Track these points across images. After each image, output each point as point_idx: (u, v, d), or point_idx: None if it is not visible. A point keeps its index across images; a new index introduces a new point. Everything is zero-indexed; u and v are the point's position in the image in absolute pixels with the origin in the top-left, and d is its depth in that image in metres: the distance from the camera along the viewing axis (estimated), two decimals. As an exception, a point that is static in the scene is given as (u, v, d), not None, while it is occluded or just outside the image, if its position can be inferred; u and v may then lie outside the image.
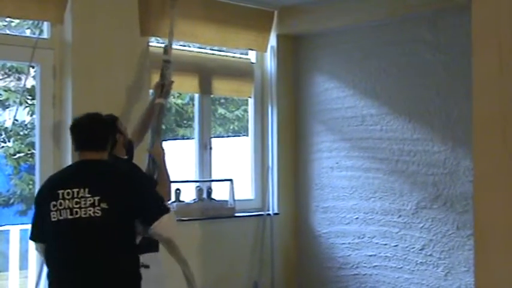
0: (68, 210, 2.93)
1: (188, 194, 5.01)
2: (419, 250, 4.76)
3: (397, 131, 4.90)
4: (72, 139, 3.22)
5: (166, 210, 3.11)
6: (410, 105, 4.83)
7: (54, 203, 2.96)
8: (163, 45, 4.56)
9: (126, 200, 2.99)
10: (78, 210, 2.92)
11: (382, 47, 4.99)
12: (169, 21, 4.53)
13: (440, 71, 4.66)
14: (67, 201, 2.94)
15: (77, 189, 2.95)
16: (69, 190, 2.95)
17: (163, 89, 4.24)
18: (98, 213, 2.91)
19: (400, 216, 4.87)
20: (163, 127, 4.51)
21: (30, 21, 6.50)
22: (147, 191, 3.14)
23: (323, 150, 5.38)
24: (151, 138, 4.09)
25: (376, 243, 5.01)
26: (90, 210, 2.91)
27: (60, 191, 2.97)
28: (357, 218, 5.14)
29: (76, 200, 2.93)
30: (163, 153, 3.99)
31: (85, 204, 2.92)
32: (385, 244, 4.95)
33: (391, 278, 4.92)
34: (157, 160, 3.95)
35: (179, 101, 9.36)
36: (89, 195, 2.93)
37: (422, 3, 4.57)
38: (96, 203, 2.91)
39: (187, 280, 3.36)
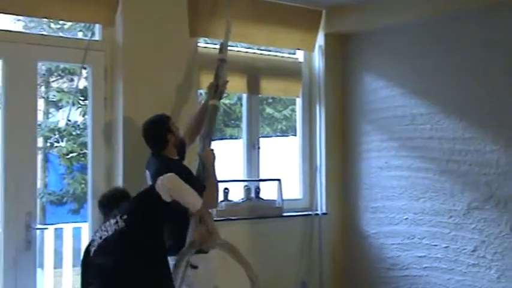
0: None
1: (236, 194, 5.03)
2: (471, 251, 4.67)
3: (448, 130, 4.82)
4: None
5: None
6: (462, 103, 4.75)
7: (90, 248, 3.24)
8: (212, 45, 4.59)
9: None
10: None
11: (433, 45, 4.91)
12: (218, 22, 4.57)
13: (493, 69, 4.56)
14: (98, 235, 3.23)
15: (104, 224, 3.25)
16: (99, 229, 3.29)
17: (217, 89, 4.17)
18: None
19: (451, 217, 4.79)
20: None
21: (82, 24, 6.64)
22: None
23: (372, 149, 5.33)
24: (202, 141, 4.01)
25: (427, 244, 4.94)
26: None
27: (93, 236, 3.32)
28: (406, 218, 5.07)
29: (104, 229, 3.21)
30: (214, 158, 3.88)
31: (109, 226, 3.18)
32: (436, 245, 4.88)
33: (442, 280, 4.84)
34: (206, 164, 3.85)
35: (227, 101, 9.42)
36: (114, 219, 3.18)
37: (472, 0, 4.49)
38: (118, 219, 3.16)
39: (252, 283, 3.34)
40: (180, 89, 4.54)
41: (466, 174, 4.70)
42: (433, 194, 4.90)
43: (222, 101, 4.46)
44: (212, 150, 3.93)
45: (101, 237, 3.16)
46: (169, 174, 3.20)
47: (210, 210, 3.32)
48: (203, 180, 3.80)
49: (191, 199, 3.16)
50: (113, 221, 3.16)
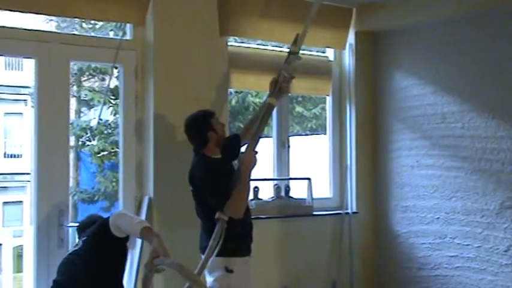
0: None
1: (266, 192, 5.04)
2: (504, 251, 4.60)
3: (480, 128, 4.76)
4: None
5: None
6: (494, 101, 4.68)
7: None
8: (242, 44, 4.53)
9: None
10: None
11: (463, 42, 4.86)
12: (248, 21, 4.55)
13: (526, 66, 4.50)
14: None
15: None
16: None
17: (276, 86, 3.82)
18: None
19: (483, 216, 4.73)
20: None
21: (114, 23, 6.70)
22: None
23: (402, 148, 5.29)
24: (248, 143, 3.77)
25: (458, 243, 4.88)
26: None
27: None
28: (437, 217, 5.02)
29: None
30: (254, 163, 3.61)
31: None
32: (468, 245, 4.82)
33: (474, 280, 4.78)
34: (243, 168, 3.59)
35: (257, 100, 9.44)
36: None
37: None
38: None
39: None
40: (210, 88, 4.55)
41: (499, 173, 4.63)
42: (464, 193, 4.85)
43: (251, 99, 4.34)
44: (256, 153, 3.65)
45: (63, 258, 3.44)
46: (117, 212, 3.43)
47: (157, 233, 3.18)
48: (234, 184, 3.57)
49: (131, 226, 3.20)
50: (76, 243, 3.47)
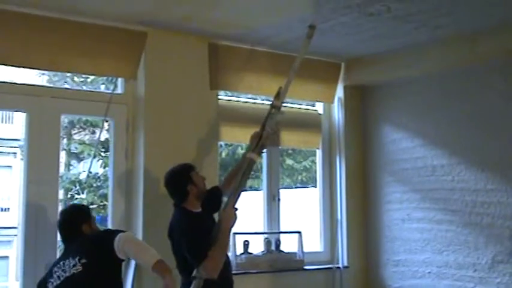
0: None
1: (257, 246, 4.99)
2: (497, 306, 4.56)
3: (470, 181, 4.77)
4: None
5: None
6: (483, 154, 4.71)
7: (50, 279, 3.29)
8: (232, 98, 4.57)
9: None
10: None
11: (451, 96, 4.92)
12: (238, 75, 4.60)
13: (513, 120, 4.55)
14: (57, 273, 3.28)
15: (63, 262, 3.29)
16: (59, 264, 3.31)
17: (259, 141, 3.75)
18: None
19: (475, 270, 4.70)
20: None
21: (105, 77, 6.75)
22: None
23: (393, 201, 5.28)
24: (227, 198, 3.66)
25: (451, 298, 4.84)
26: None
27: (54, 269, 3.31)
28: (429, 272, 4.98)
29: (62, 268, 3.27)
30: (234, 221, 3.51)
31: (69, 267, 3.25)
32: (460, 299, 4.78)
33: (467, 336, 4.72)
34: (222, 225, 3.47)
35: (247, 153, 9.46)
36: (72, 260, 3.25)
37: (491, 52, 4.50)
38: (77, 262, 3.22)
39: None
40: (200, 141, 4.57)
41: (490, 226, 4.62)
42: (456, 247, 4.82)
43: (241, 151, 4.31)
44: (236, 210, 3.54)
45: (59, 277, 3.24)
46: (125, 233, 3.32)
47: (170, 268, 3.16)
48: (212, 241, 3.43)
49: (144, 256, 3.18)
50: (72, 262, 3.23)
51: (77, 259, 3.23)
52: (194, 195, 3.64)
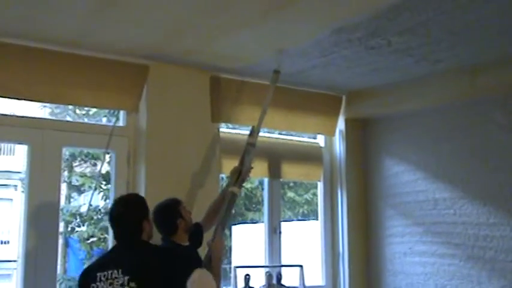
0: None
1: (258, 280, 4.95)
2: None
3: (472, 215, 4.75)
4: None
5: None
6: (485, 188, 4.70)
7: (93, 285, 3.12)
8: (234, 131, 4.60)
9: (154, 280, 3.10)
10: None
11: (453, 129, 4.92)
12: (240, 108, 4.62)
13: (515, 153, 4.55)
14: (102, 282, 3.10)
15: (111, 271, 3.12)
16: (105, 272, 3.13)
17: (240, 176, 4.02)
18: None
19: (478, 304, 4.65)
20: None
21: (107, 110, 6.77)
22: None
23: (395, 235, 5.25)
24: (214, 230, 3.79)
25: (454, 333, 4.77)
26: None
27: (99, 274, 3.14)
28: (432, 306, 4.94)
29: (110, 281, 3.10)
30: (223, 251, 3.64)
31: (117, 284, 3.07)
32: (464, 335, 4.71)
33: None
34: (213, 256, 3.56)
35: (248, 185, 9.45)
36: (121, 275, 3.09)
37: (491, 85, 4.52)
38: (126, 283, 3.07)
39: None
40: (201, 174, 4.56)
41: (492, 260, 4.59)
42: (459, 281, 4.78)
43: (243, 184, 4.35)
44: (223, 241, 3.69)
45: None
46: (202, 274, 3.20)
47: None
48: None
49: None
50: (120, 279, 3.09)
51: (126, 279, 3.08)
52: (183, 229, 3.73)
